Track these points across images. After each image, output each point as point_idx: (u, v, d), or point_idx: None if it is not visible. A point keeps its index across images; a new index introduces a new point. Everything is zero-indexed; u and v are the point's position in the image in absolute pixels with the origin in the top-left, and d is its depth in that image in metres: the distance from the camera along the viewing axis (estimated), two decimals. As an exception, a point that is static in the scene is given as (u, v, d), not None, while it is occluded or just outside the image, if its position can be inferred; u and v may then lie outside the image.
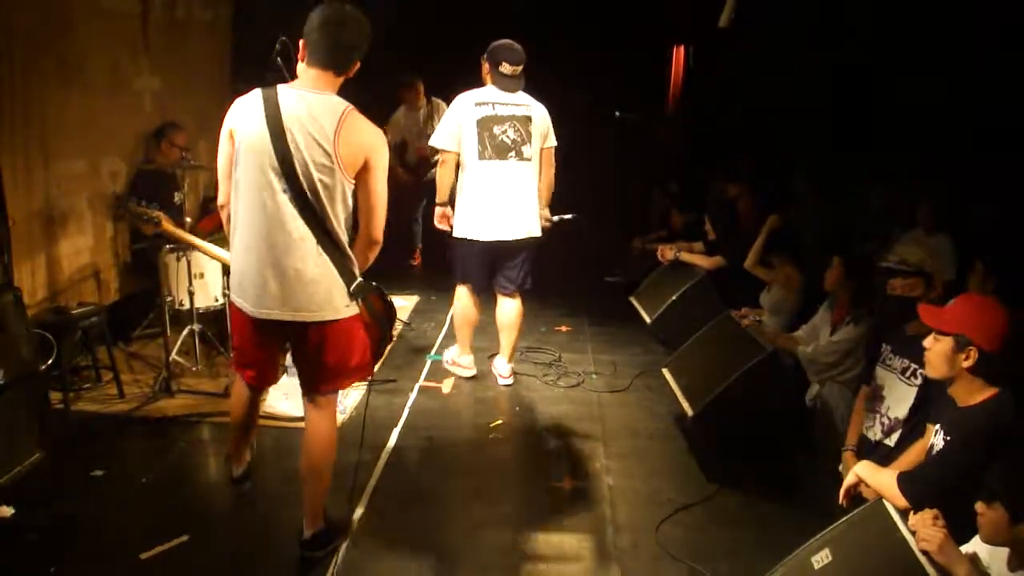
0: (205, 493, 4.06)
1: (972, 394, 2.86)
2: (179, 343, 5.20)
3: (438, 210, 5.09)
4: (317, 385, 3.29)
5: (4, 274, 4.22)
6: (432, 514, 3.81)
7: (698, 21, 7.39)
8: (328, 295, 3.10)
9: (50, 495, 3.81)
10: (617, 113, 7.73)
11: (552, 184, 5.17)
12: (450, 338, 6.29)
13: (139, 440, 4.48)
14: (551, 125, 5.04)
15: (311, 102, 3.00)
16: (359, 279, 3.18)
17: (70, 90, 5.16)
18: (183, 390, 4.98)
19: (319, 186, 2.99)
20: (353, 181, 3.08)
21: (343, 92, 3.12)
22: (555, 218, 5.32)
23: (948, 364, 2.86)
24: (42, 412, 4.00)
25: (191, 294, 5.08)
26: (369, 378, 3.62)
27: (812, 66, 7.16)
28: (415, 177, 7.96)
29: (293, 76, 3.17)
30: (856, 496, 3.09)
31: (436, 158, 6.94)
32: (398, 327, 6.51)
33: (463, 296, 5.25)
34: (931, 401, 3.43)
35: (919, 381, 3.52)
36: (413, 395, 5.18)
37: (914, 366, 3.55)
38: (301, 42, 3.07)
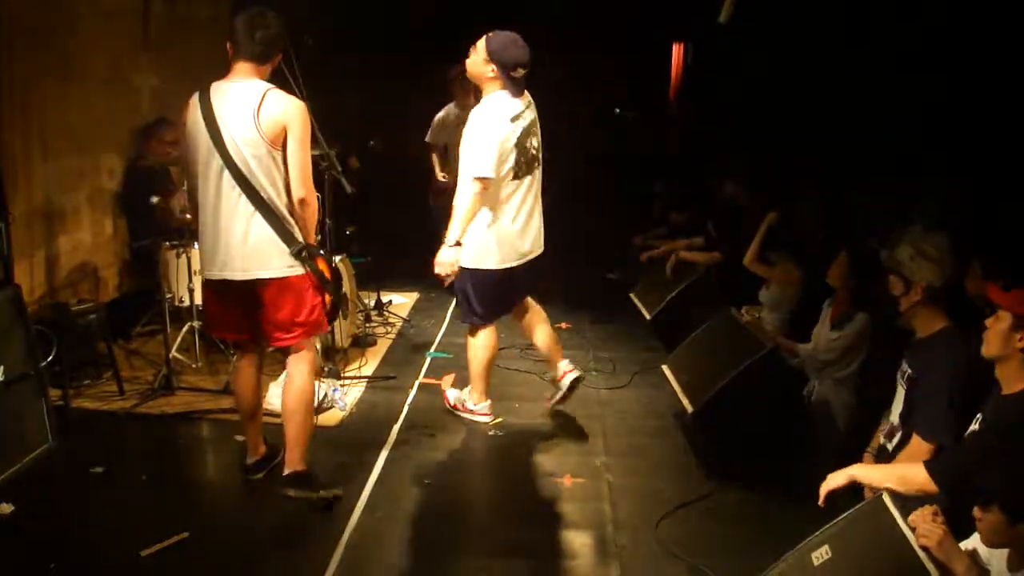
0: (205, 490, 4.06)
1: (1017, 379, 2.86)
2: (179, 340, 5.20)
3: (450, 252, 4.21)
4: (267, 338, 3.75)
5: (4, 271, 4.22)
6: (431, 511, 3.81)
7: (697, 18, 7.39)
8: (268, 255, 3.53)
9: (50, 492, 3.81)
10: (617, 110, 7.74)
11: None
12: (451, 335, 6.31)
13: (139, 437, 4.48)
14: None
15: (237, 89, 3.50)
16: (301, 243, 3.57)
17: (70, 86, 5.16)
18: (183, 387, 4.98)
19: (250, 160, 3.44)
20: (279, 149, 3.49)
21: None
22: None
23: (1003, 343, 2.86)
24: (47, 405, 4.00)
25: (191, 291, 5.08)
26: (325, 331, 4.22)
27: (815, 62, 7.15)
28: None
29: (294, 75, 3.75)
30: (836, 495, 3.06)
31: (443, 179, 6.80)
32: (398, 324, 6.52)
33: (488, 337, 4.64)
34: (915, 409, 3.42)
35: (908, 386, 3.52)
36: (413, 392, 5.18)
37: (910, 371, 3.54)
38: (228, 43, 3.57)
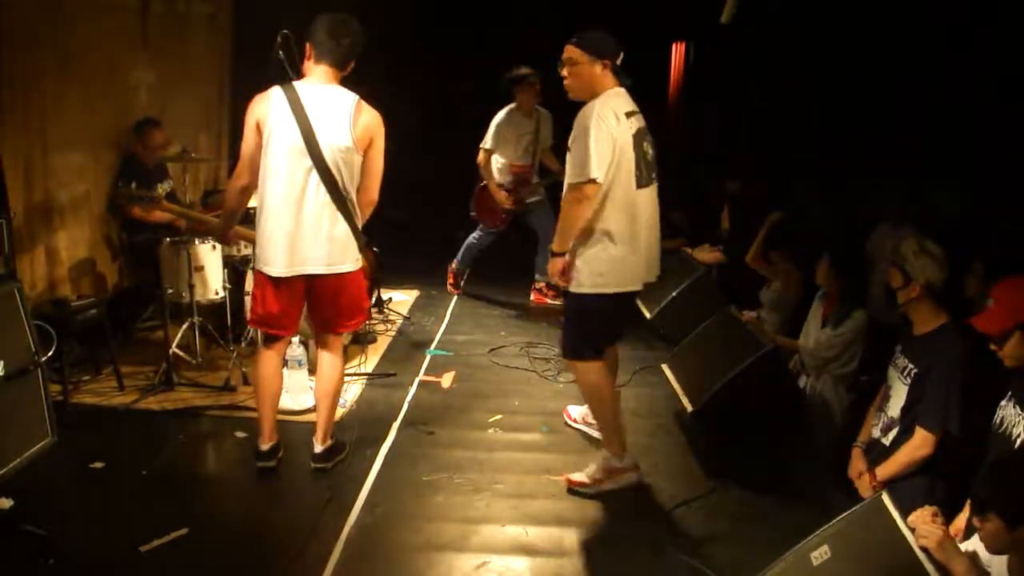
0: (205, 486, 4.06)
1: None
2: (179, 336, 5.20)
3: (558, 260, 3.82)
4: (334, 327, 4.00)
5: (5, 266, 4.22)
6: (430, 508, 3.81)
7: (699, 17, 7.39)
8: (346, 250, 3.79)
9: (49, 487, 3.81)
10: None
11: None
12: (450, 333, 6.32)
13: (139, 433, 4.47)
14: None
15: (327, 94, 3.67)
16: (364, 238, 3.91)
17: (69, 84, 5.16)
18: (183, 383, 4.98)
19: (341, 163, 3.66)
20: (362, 155, 3.73)
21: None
22: None
23: (1022, 349, 2.82)
24: (47, 400, 4.00)
25: (191, 287, 5.08)
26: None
27: (813, 64, 7.15)
28: (514, 200, 6.90)
29: (295, 69, 3.79)
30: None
31: (536, 181, 6.88)
32: (398, 321, 6.52)
33: (599, 371, 3.99)
34: (920, 401, 3.44)
35: (910, 381, 3.53)
36: (413, 389, 5.18)
37: (911, 366, 3.55)
38: (308, 45, 3.69)
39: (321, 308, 3.95)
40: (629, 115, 3.74)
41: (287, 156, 3.63)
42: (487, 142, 6.72)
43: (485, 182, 6.86)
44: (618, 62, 3.79)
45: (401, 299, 7.10)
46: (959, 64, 5.63)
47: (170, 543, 3.40)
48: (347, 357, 5.50)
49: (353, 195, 3.77)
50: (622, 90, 3.80)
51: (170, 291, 5.19)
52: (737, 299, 5.55)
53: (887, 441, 3.63)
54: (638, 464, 4.07)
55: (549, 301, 7.07)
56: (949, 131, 5.79)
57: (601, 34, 3.81)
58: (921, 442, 3.35)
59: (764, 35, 7.41)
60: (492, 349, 5.89)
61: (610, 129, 3.60)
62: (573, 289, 3.84)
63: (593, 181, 3.57)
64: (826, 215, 6.45)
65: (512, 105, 6.70)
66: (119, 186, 5.49)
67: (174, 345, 5.09)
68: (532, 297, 7.27)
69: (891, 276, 3.63)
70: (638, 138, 3.75)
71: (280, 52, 3.84)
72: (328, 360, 4.04)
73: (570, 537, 3.62)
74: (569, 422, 4.75)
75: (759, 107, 7.74)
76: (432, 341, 6.12)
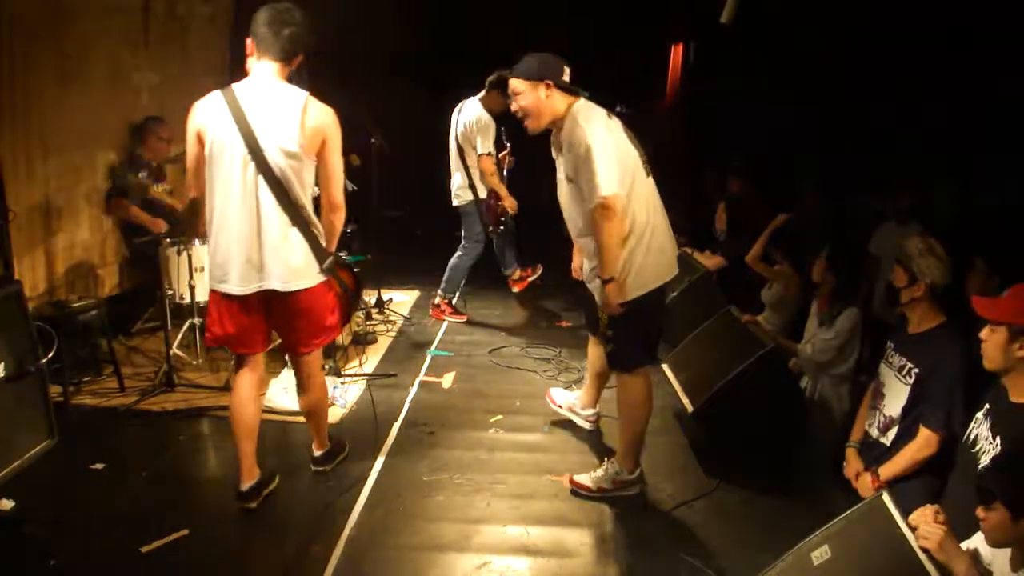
0: (205, 487, 4.06)
1: None
2: (179, 337, 5.21)
3: (612, 287, 3.61)
4: (298, 346, 3.69)
5: (5, 267, 4.22)
6: (431, 508, 3.81)
7: (700, 17, 7.39)
8: (305, 265, 3.46)
9: (50, 488, 3.81)
10: (618, 108, 7.72)
11: None
12: (451, 333, 6.33)
13: (139, 433, 4.48)
14: None
15: (270, 95, 3.33)
16: (331, 255, 3.57)
17: (69, 84, 5.16)
18: (183, 384, 4.98)
19: (288, 170, 3.32)
20: (314, 159, 3.40)
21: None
22: None
23: (1003, 354, 2.83)
24: (47, 401, 4.01)
25: (191, 288, 5.08)
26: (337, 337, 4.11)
27: (816, 64, 7.16)
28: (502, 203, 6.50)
29: (298, 73, 3.51)
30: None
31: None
32: (399, 321, 6.51)
33: (647, 384, 3.91)
34: (923, 401, 3.44)
35: (912, 380, 3.53)
36: (414, 390, 5.18)
37: (909, 364, 3.55)
38: (248, 40, 3.38)
39: (282, 327, 3.67)
40: (610, 115, 3.72)
41: (231, 167, 3.31)
42: (487, 146, 6.25)
43: (487, 192, 6.40)
44: (565, 78, 3.66)
45: (402, 299, 7.10)
46: (957, 62, 5.65)
47: (170, 544, 3.40)
48: (347, 358, 5.52)
49: (309, 204, 3.45)
50: (586, 101, 3.70)
51: (170, 292, 5.19)
52: (737, 301, 5.55)
53: (887, 441, 3.63)
54: (644, 477, 4.05)
55: (447, 318, 6.67)
56: (948, 129, 5.81)
57: (534, 57, 3.69)
58: (925, 442, 3.36)
59: (764, 35, 7.42)
60: (493, 349, 5.89)
61: (605, 137, 3.53)
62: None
63: (610, 197, 3.44)
64: (825, 214, 6.46)
65: (481, 106, 6.27)
66: (117, 176, 5.53)
67: (174, 346, 5.09)
68: (431, 312, 6.75)
69: (895, 274, 3.63)
70: (628, 134, 3.74)
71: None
72: (304, 378, 3.83)
73: (571, 537, 3.62)
74: (553, 405, 4.74)
75: (758, 107, 7.75)
76: (433, 341, 6.12)
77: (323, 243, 3.54)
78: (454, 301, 6.74)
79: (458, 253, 6.62)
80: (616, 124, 3.71)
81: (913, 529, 2.43)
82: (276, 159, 3.30)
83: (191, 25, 6.57)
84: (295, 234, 3.42)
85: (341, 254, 3.74)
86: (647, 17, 8.78)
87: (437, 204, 7.17)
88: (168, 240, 5.16)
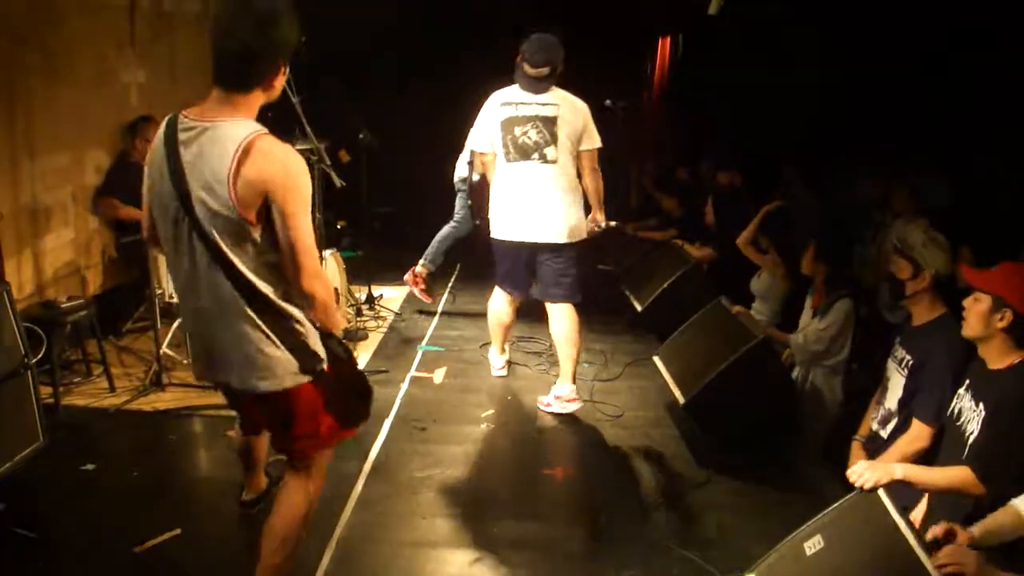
0: (197, 486, 4.05)
1: (1002, 356, 2.91)
2: (169, 336, 5.19)
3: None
4: (281, 448, 2.89)
5: (-8, 268, 4.20)
6: (423, 504, 3.81)
7: (686, 10, 7.40)
8: (268, 363, 2.57)
9: (41, 489, 3.80)
10: (607, 102, 7.73)
11: (598, 190, 4.79)
12: (442, 328, 6.33)
13: (130, 433, 4.46)
14: (589, 126, 4.64)
15: (208, 135, 2.41)
16: (315, 355, 2.66)
17: (56, 83, 5.13)
18: (174, 383, 4.96)
19: (227, 237, 2.43)
20: (258, 225, 2.43)
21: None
22: (602, 225, 4.94)
23: (984, 323, 2.91)
24: (37, 402, 3.99)
25: (181, 287, 5.05)
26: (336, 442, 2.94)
27: (802, 55, 7.17)
28: None
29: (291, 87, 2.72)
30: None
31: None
32: (389, 317, 6.50)
33: (494, 297, 5.14)
34: (918, 393, 3.45)
35: (907, 371, 3.54)
36: (404, 385, 5.18)
37: (908, 357, 3.56)
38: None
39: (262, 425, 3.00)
40: (518, 104, 4.63)
41: (169, 227, 2.51)
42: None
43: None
44: (524, 69, 4.55)
45: (392, 295, 7.09)
46: (947, 57, 5.67)
47: (163, 543, 3.39)
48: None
49: (270, 285, 2.51)
50: (517, 87, 4.65)
51: (159, 291, 5.16)
52: (728, 293, 5.56)
53: (885, 434, 3.64)
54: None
55: (413, 288, 6.71)
56: (935, 120, 5.83)
57: (529, 43, 4.52)
58: (918, 434, 3.36)
59: (752, 27, 7.42)
60: (484, 344, 5.88)
61: (486, 112, 4.74)
62: (575, 239, 4.70)
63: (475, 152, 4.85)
64: (813, 206, 6.48)
65: None
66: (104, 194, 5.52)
67: (164, 345, 5.07)
68: (406, 276, 6.76)
69: (898, 267, 3.61)
70: (509, 123, 4.63)
71: None
72: (290, 489, 2.87)
73: (564, 532, 3.62)
74: (546, 409, 4.86)
75: (746, 100, 7.76)
76: (423, 337, 6.12)
77: (302, 333, 2.62)
78: (430, 278, 6.75)
79: (451, 223, 6.67)
80: (516, 113, 4.64)
81: (914, 529, 2.42)
82: (209, 223, 2.42)
83: (178, 23, 6.55)
84: (253, 323, 2.52)
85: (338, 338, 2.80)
86: (634, 10, 8.77)
87: (426, 200, 7.15)
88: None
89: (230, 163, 2.34)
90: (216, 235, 2.41)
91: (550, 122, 4.56)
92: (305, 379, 2.64)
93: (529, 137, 4.60)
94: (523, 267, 4.84)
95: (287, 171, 2.40)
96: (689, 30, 9.17)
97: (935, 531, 2.51)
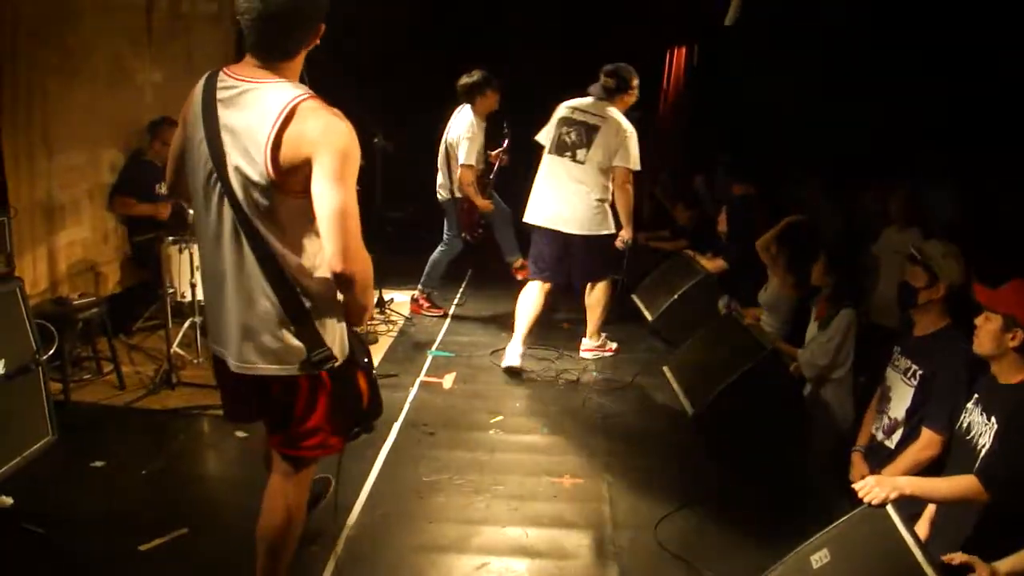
0: (205, 485, 4.06)
1: (1014, 372, 2.92)
2: (180, 335, 5.21)
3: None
4: (280, 445, 2.70)
5: (6, 264, 4.22)
6: (431, 509, 3.81)
7: (703, 20, 7.40)
8: (275, 343, 2.46)
9: (49, 485, 3.81)
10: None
11: (627, 206, 5.41)
12: (452, 333, 6.33)
13: (139, 432, 4.47)
14: (627, 146, 5.25)
15: (251, 96, 2.33)
16: (324, 348, 2.49)
17: (73, 82, 5.16)
18: (184, 382, 4.97)
19: (259, 208, 2.35)
20: (293, 196, 2.33)
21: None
22: (628, 242, 5.53)
23: (995, 342, 2.94)
24: (48, 398, 4.00)
25: (193, 286, 5.08)
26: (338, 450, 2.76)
27: (818, 65, 7.15)
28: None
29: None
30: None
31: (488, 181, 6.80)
32: (400, 321, 6.51)
33: (527, 285, 5.67)
34: (928, 403, 3.45)
35: (916, 382, 3.53)
36: (414, 390, 5.18)
37: (914, 367, 3.56)
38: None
39: (262, 415, 2.75)
40: (575, 109, 5.42)
41: (200, 187, 2.43)
42: (470, 158, 6.25)
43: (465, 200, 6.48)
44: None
45: (403, 299, 7.09)
46: (957, 63, 5.65)
47: (169, 542, 3.40)
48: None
49: (295, 263, 2.41)
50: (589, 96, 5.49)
51: (171, 290, 5.18)
52: (739, 304, 5.55)
53: (892, 444, 3.63)
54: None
55: (424, 312, 6.79)
56: (945, 131, 5.81)
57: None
58: (927, 443, 3.37)
59: (767, 37, 7.41)
60: (494, 351, 5.88)
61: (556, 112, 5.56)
62: (599, 231, 5.40)
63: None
64: (828, 217, 6.45)
65: (471, 112, 6.32)
66: (160, 193, 5.59)
67: (175, 344, 5.09)
68: (410, 307, 6.85)
69: (914, 275, 3.62)
70: (561, 122, 5.43)
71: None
72: (272, 490, 2.76)
73: (570, 539, 3.62)
74: (587, 355, 5.85)
75: (762, 110, 7.74)
76: (434, 342, 6.12)
77: (320, 323, 2.50)
78: (432, 295, 6.93)
79: (439, 248, 6.78)
80: (571, 116, 5.42)
81: (916, 537, 2.42)
82: (241, 188, 2.34)
83: (194, 23, 6.58)
84: (263, 300, 2.42)
85: (358, 336, 2.72)
86: (650, 20, 8.77)
87: (439, 205, 7.16)
88: (170, 238, 5.16)
89: (270, 129, 2.25)
90: (247, 205, 2.34)
91: (592, 129, 5.29)
92: (312, 371, 2.51)
93: (570, 137, 5.35)
94: (548, 250, 5.51)
95: (336, 130, 2.29)
96: (705, 40, 9.15)
97: (953, 558, 2.51)
